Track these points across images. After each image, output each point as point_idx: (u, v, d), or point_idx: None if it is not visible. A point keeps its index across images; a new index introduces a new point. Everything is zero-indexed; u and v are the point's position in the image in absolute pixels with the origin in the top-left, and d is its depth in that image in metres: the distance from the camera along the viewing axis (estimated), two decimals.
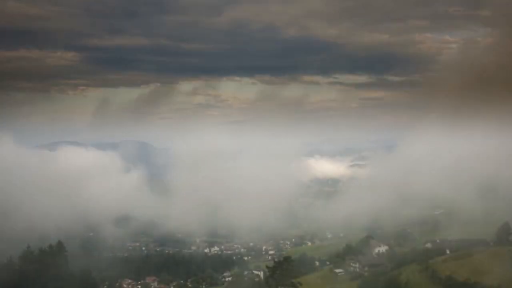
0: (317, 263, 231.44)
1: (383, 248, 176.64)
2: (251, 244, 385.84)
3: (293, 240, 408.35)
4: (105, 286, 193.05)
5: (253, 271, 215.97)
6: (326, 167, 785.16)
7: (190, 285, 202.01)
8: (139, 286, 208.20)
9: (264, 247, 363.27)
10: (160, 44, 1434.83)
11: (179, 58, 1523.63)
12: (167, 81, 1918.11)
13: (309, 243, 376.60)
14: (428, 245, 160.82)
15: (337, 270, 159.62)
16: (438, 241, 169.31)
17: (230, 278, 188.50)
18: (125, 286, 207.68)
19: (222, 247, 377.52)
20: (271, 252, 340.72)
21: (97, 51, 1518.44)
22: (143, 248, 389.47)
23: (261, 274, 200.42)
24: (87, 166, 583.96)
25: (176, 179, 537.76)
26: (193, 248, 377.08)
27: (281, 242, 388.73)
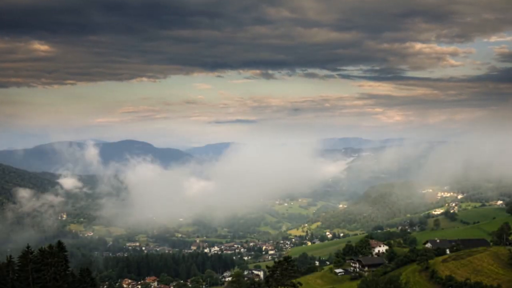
0: (317, 263, 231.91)
1: (383, 248, 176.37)
2: (251, 244, 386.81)
3: (293, 240, 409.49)
4: (105, 286, 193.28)
5: (253, 271, 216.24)
6: None
7: (190, 285, 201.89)
8: (139, 286, 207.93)
9: (264, 247, 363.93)
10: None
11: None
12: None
13: (309, 243, 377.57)
14: (428, 245, 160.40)
15: (337, 270, 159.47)
16: (438, 241, 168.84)
17: (230, 278, 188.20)
18: (125, 286, 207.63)
19: (222, 247, 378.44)
20: (271, 252, 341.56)
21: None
22: (143, 248, 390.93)
23: (261, 274, 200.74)
24: None
25: None
26: (193, 248, 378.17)
27: (281, 242, 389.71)
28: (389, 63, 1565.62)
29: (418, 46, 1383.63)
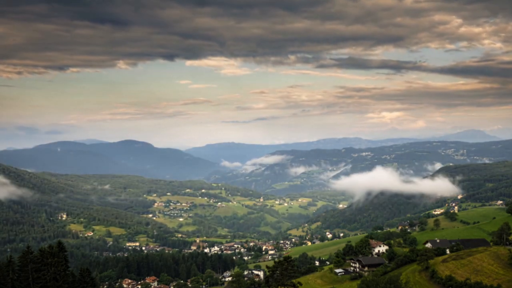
0: (317, 263, 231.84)
1: (383, 248, 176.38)
2: (251, 244, 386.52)
3: (293, 240, 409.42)
4: (105, 286, 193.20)
5: (253, 271, 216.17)
6: None
7: (190, 285, 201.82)
8: (139, 286, 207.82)
9: (264, 247, 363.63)
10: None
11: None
12: None
13: (309, 243, 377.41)
14: (428, 245, 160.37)
15: (337, 270, 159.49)
16: (438, 241, 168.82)
17: (230, 278, 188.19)
18: (125, 286, 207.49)
19: (222, 247, 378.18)
20: (271, 252, 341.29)
21: None
22: (143, 248, 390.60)
23: (261, 274, 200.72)
24: None
25: None
26: (193, 248, 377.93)
27: (281, 242, 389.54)
28: None
29: None
